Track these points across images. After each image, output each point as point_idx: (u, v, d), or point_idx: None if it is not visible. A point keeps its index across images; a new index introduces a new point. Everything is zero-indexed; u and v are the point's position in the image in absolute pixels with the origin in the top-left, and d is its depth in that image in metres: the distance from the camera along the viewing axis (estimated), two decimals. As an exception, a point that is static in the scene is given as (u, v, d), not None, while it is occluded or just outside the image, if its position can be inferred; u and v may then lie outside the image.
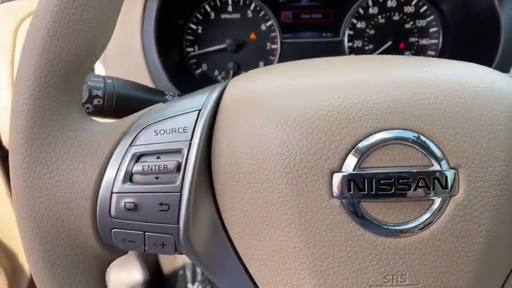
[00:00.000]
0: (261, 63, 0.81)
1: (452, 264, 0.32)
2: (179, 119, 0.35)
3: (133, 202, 0.33)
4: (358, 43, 0.81)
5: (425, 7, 0.79)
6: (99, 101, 0.47)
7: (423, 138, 0.31)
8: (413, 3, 0.79)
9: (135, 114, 0.36)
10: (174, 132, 0.34)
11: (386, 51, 0.80)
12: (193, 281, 0.89)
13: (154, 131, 0.34)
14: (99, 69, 0.69)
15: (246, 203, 0.33)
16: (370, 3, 0.79)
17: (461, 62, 0.37)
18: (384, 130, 0.31)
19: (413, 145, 0.31)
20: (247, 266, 0.35)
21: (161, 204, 0.33)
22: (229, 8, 0.79)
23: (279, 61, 0.80)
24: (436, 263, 0.32)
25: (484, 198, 0.31)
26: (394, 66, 0.34)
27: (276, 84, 0.34)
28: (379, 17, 0.80)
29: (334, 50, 0.80)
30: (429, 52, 0.81)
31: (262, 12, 0.79)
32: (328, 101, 0.32)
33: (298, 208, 0.31)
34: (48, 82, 0.33)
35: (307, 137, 0.31)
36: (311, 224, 0.31)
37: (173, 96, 0.54)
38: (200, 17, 0.79)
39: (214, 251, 0.35)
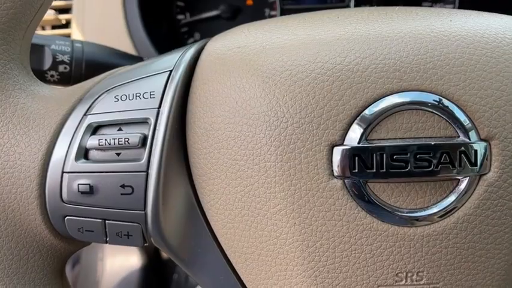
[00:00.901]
0: (259, 32, 0.74)
1: (480, 260, 0.26)
2: (145, 82, 0.28)
3: (89, 184, 0.27)
4: (365, 9, 0.74)
5: (440, -33, 0.72)
6: (65, 68, 0.40)
7: (446, 103, 0.25)
8: (427, -37, 0.72)
9: (94, 77, 0.30)
10: (138, 97, 0.28)
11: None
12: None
13: (115, 97, 0.28)
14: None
15: (227, 184, 0.27)
16: (380, -36, 0.72)
17: (491, 13, 0.30)
18: (397, 92, 0.25)
19: (434, 111, 0.25)
20: (230, 259, 0.29)
21: (123, 186, 0.27)
22: (224, -30, 0.72)
23: (279, 29, 0.73)
24: (460, 258, 0.26)
25: None
26: (410, 16, 0.28)
27: (264, 38, 0.28)
28: (389, -21, 0.73)
29: (339, 17, 0.73)
30: (444, 18, 0.74)
31: (260, -25, 0.72)
32: (327, 56, 0.26)
33: (290, 191, 0.25)
34: None
35: (301, 102, 0.25)
36: (306, 210, 0.25)
37: None
38: (192, -19, 0.72)
39: (191, 242, 0.30)
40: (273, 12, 0.73)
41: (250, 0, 0.73)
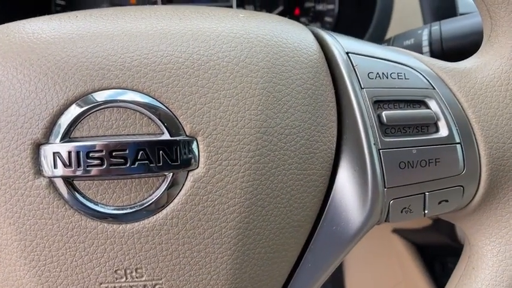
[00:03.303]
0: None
1: (199, 255, 0.26)
2: None
3: None
4: (249, 8, 0.74)
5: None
6: None
7: (149, 100, 0.25)
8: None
9: None
10: None
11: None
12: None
13: None
14: None
15: None
16: (259, -37, 0.73)
17: (239, 11, 0.30)
18: (100, 90, 0.25)
19: (136, 108, 0.25)
20: None
21: None
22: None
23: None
24: (177, 254, 0.26)
25: (232, 173, 0.25)
26: (139, 15, 0.28)
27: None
28: (270, -21, 0.73)
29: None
30: (326, 19, 0.75)
31: (139, -26, 0.72)
32: (39, 55, 0.25)
33: (2, 190, 0.25)
34: None
35: (9, 100, 0.25)
36: (18, 209, 0.25)
37: None
38: (70, -21, 0.71)
39: None
40: (156, 12, 0.73)
41: (133, 0, 0.73)
